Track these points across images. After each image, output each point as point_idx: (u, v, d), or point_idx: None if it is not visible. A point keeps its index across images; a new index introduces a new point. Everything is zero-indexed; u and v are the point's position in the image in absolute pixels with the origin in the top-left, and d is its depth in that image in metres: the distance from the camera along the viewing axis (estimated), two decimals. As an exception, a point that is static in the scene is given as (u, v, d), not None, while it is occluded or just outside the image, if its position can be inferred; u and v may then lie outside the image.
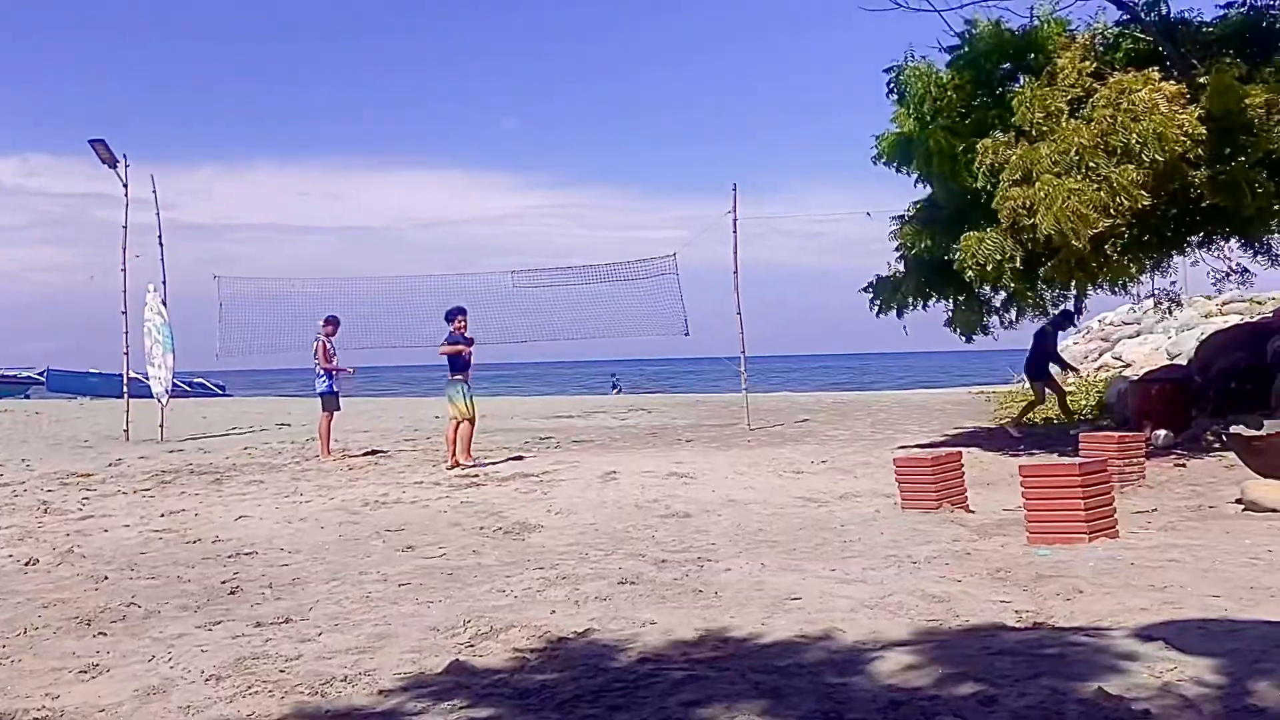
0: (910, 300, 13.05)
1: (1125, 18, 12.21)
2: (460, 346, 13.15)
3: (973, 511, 8.72)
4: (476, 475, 12.03)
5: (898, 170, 12.76)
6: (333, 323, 14.69)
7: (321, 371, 14.46)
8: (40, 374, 36.86)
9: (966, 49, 11.98)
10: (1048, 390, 15.50)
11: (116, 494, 11.29)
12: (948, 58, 12.12)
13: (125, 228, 18.23)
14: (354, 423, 19.15)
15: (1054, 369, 15.65)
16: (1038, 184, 10.45)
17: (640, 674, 4.55)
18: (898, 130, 12.56)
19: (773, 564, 6.88)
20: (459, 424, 12.94)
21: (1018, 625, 5.12)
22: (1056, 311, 14.26)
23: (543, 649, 5.06)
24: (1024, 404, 15.95)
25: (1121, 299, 17.89)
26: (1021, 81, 11.71)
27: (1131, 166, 10.25)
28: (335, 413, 14.53)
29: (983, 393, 24.60)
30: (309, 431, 17.83)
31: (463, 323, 13.30)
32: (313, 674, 4.81)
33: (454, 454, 12.82)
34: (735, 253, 18.19)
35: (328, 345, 14.47)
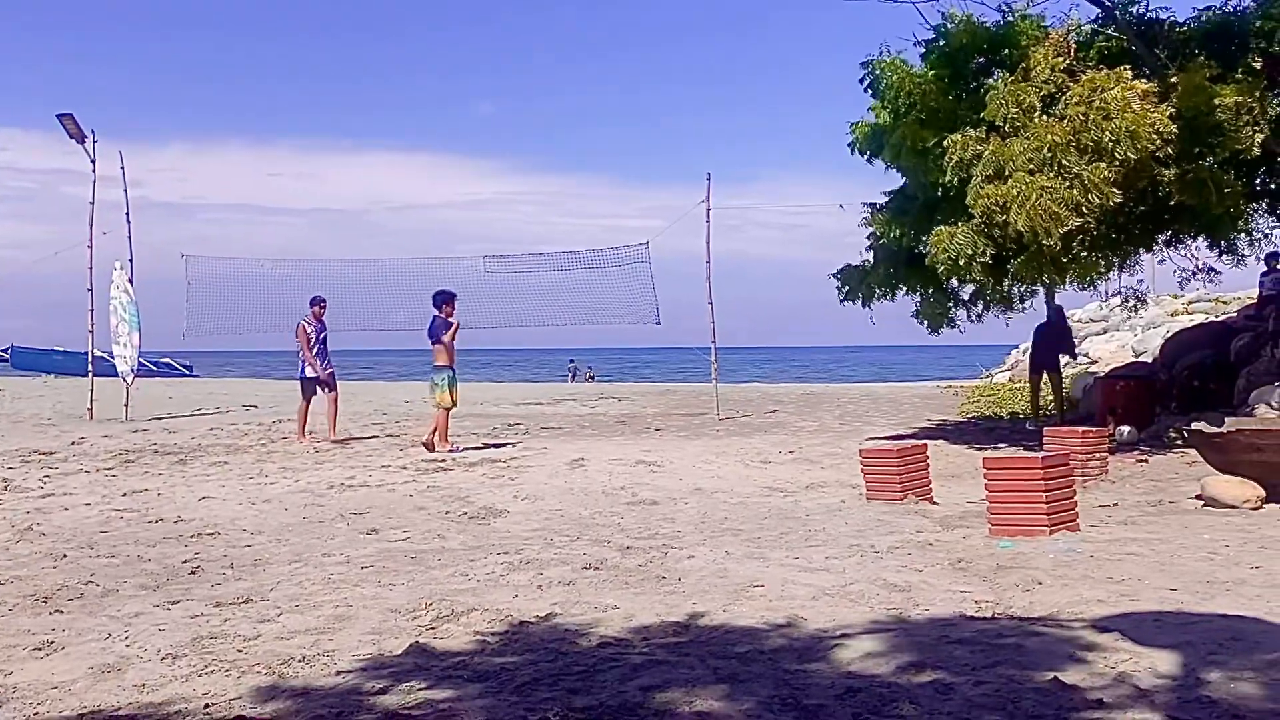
0: (878, 290, 13.08)
1: (1100, 15, 12.28)
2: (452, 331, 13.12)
3: (936, 503, 8.78)
4: (444, 460, 11.98)
5: (869, 160, 12.79)
6: (319, 303, 14.34)
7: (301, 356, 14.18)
8: (4, 351, 36.41)
9: (941, 43, 12.01)
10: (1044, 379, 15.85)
11: (78, 472, 11.16)
12: (921, 51, 12.16)
13: (93, 204, 18.03)
14: (321, 404, 19.04)
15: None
16: (1010, 181, 10.49)
17: (600, 658, 4.55)
18: (873, 121, 12.59)
19: (737, 552, 6.90)
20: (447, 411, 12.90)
21: (977, 615, 5.16)
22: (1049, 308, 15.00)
23: (504, 632, 5.06)
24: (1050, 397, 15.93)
25: (1089, 296, 18.06)
26: (995, 77, 11.75)
27: (1103, 164, 10.31)
28: (314, 397, 14.30)
29: (950, 387, 24.77)
30: (275, 413, 17.74)
31: (451, 308, 13.22)
32: (271, 654, 4.78)
33: (446, 438, 12.76)
34: (708, 243, 18.21)
35: (307, 328, 14.12)
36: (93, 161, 17.94)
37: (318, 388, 14.32)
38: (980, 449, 12.17)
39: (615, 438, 14.52)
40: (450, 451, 12.55)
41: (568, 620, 5.26)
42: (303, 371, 14.32)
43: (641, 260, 18.93)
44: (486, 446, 13.34)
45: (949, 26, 11.98)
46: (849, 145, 12.81)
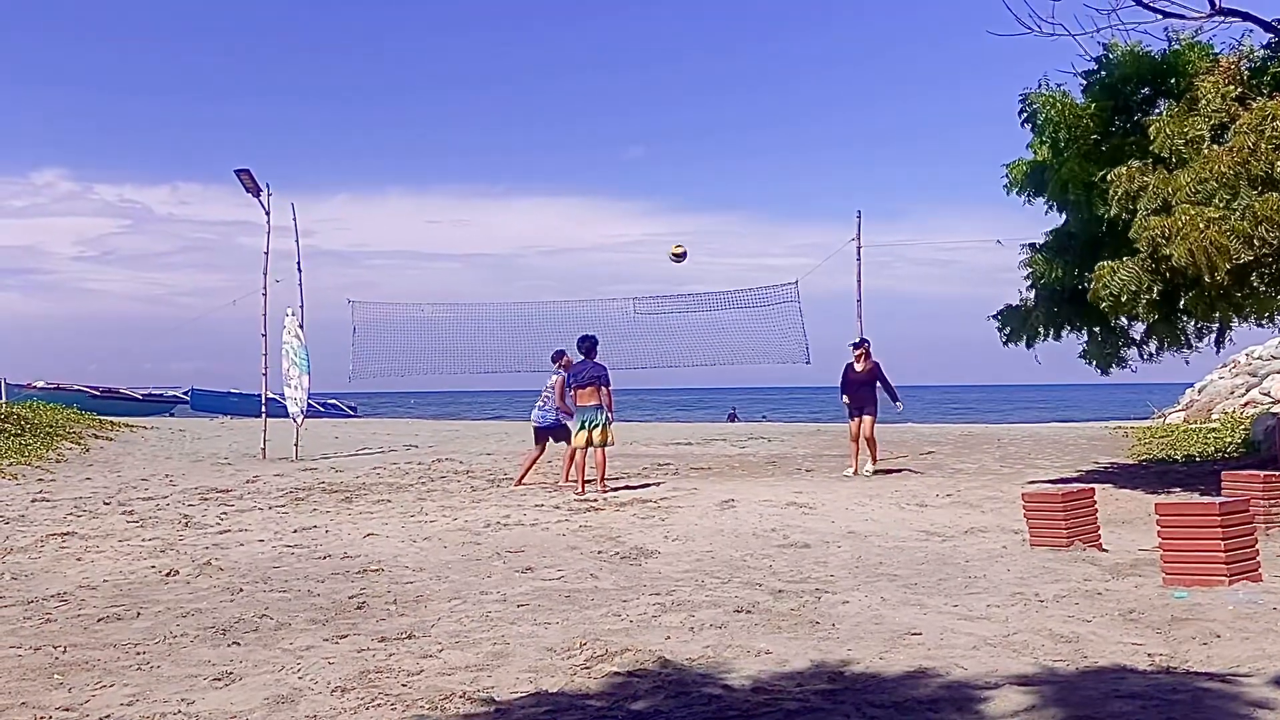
0: (1041, 330, 12.69)
1: (1273, 40, 11.70)
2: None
3: (1106, 550, 8.42)
4: (595, 500, 12.15)
5: (1029, 200, 12.47)
6: (560, 359, 14.05)
7: (553, 406, 13.95)
8: (185, 393, 38.54)
9: (1103, 73, 11.64)
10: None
11: (253, 510, 11.74)
12: (1082, 83, 11.81)
13: (267, 254, 18.99)
14: (479, 445, 19.53)
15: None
16: (1176, 213, 10.07)
17: (754, 703, 4.52)
18: (1031, 158, 12.28)
19: (893, 598, 6.76)
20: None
21: (1149, 669, 4.93)
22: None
23: (657, 674, 5.08)
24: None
25: (1270, 332, 17.07)
26: (1161, 107, 11.32)
27: (1276, 195, 9.80)
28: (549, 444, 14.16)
29: (1120, 428, 23.73)
30: (435, 453, 18.28)
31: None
32: (433, 689, 4.92)
33: (568, 475, 13.06)
34: (859, 280, 18.05)
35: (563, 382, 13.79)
36: (267, 213, 18.94)
37: (550, 436, 14.18)
38: (1153, 494, 11.63)
39: (765, 478, 14.43)
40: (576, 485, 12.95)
41: (720, 664, 5.25)
42: (557, 420, 14.03)
43: (791, 299, 18.89)
44: (643, 486, 13.44)
45: (1111, 57, 11.61)
46: (1004, 187, 12.52)
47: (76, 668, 5.49)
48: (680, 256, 16.56)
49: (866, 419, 14.78)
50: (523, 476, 14.09)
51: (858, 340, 15.22)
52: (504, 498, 12.57)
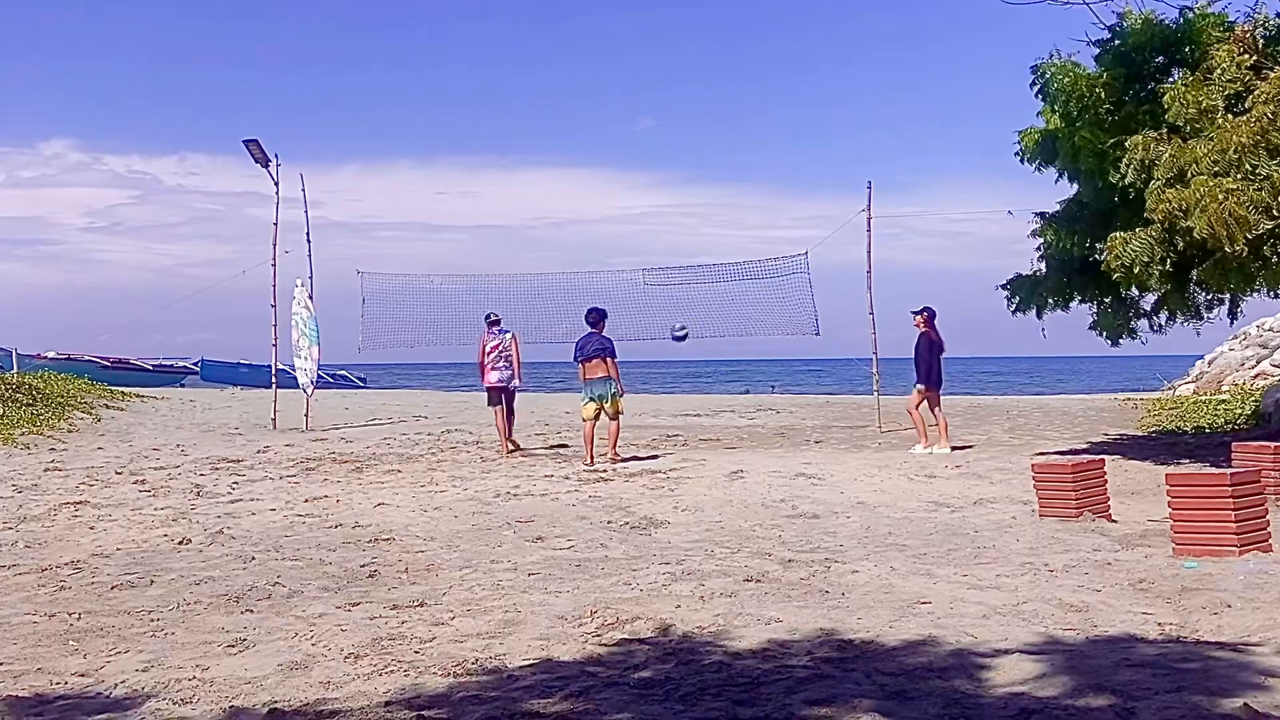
0: (1050, 300, 12.64)
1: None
2: None
3: (1115, 521, 8.42)
4: (605, 471, 12.17)
5: (1040, 169, 12.39)
6: (495, 323, 14.74)
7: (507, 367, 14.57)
8: (195, 364, 38.59)
9: (1116, 42, 11.54)
10: None
11: (264, 479, 11.78)
12: (1095, 51, 11.70)
13: (276, 225, 18.96)
14: (487, 416, 19.53)
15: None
16: (1193, 185, 10.00)
17: (764, 671, 4.55)
18: (1043, 127, 12.19)
19: (902, 567, 6.78)
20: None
21: (1159, 638, 4.94)
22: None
23: (667, 641, 5.11)
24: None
25: (1281, 303, 16.97)
26: (1175, 76, 11.22)
27: (1294, 164, 9.72)
28: (497, 408, 14.63)
29: (1129, 399, 23.71)
30: (445, 424, 18.31)
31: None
32: (445, 656, 4.96)
33: (614, 448, 13.13)
34: (869, 252, 17.93)
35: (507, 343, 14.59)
36: (276, 184, 18.87)
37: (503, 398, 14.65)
38: (1162, 465, 11.61)
39: (774, 450, 14.44)
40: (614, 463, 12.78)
41: (731, 632, 5.27)
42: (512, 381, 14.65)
43: (800, 271, 18.78)
44: (651, 456, 13.46)
45: (1124, 25, 11.50)
46: (1016, 154, 12.44)
47: (91, 634, 5.55)
48: None
49: (914, 392, 14.24)
50: (506, 442, 14.36)
51: (917, 308, 14.26)
52: (514, 468, 12.60)
